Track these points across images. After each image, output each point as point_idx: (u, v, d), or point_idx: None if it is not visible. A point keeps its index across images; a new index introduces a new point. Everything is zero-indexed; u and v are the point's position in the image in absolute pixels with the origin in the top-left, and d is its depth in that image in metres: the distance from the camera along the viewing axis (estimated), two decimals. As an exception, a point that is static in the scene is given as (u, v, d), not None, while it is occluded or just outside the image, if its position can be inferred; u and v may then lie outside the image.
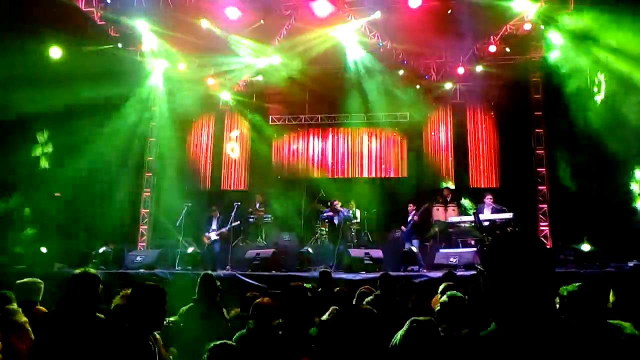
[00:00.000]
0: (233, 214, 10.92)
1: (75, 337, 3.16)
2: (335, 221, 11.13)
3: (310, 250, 10.73)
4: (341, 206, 11.31)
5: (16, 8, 9.71)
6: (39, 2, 9.94)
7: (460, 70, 12.92)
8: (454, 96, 13.88)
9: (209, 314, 4.58)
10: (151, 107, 14.53)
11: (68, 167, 11.58)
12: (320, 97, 14.24)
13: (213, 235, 11.19)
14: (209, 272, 5.24)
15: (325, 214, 11.77)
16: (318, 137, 14.80)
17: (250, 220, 12.61)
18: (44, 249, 10.04)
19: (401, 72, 13.15)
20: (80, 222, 11.62)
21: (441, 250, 10.45)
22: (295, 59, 12.79)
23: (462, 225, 10.92)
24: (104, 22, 11.74)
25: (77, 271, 3.49)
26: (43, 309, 4.28)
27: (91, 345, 3.03)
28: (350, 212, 11.54)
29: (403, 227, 11.54)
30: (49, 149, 11.93)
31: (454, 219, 11.26)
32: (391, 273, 6.34)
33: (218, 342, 2.79)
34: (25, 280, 4.48)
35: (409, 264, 9.81)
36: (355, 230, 11.86)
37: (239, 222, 11.21)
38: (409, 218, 11.32)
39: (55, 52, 10.89)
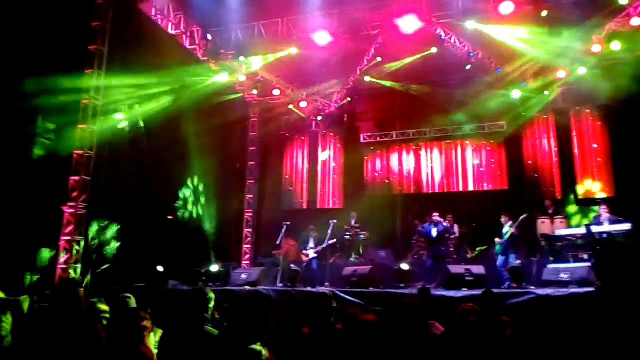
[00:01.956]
0: (329, 231, 11.13)
1: (187, 352, 3.44)
2: (433, 235, 10.85)
3: (407, 266, 10.58)
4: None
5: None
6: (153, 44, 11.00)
7: (561, 74, 12.18)
8: (556, 101, 13.07)
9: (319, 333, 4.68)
10: (249, 133, 15.37)
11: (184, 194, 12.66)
12: (411, 113, 14.19)
13: (311, 253, 11.46)
14: (326, 292, 5.32)
15: (422, 229, 11.56)
16: (409, 153, 14.67)
17: (346, 237, 12.74)
18: (160, 268, 10.86)
19: (495, 80, 12.70)
20: (190, 241, 12.47)
21: (550, 266, 9.76)
22: (384, 76, 12.91)
23: (573, 238, 10.14)
24: (206, 58, 12.74)
25: (192, 288, 3.82)
26: None
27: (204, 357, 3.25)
28: (449, 225, 11.23)
29: (498, 240, 10.95)
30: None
31: (563, 231, 10.50)
32: (494, 290, 6.07)
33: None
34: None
35: (518, 280, 9.23)
36: (454, 246, 11.51)
37: (335, 240, 11.38)
38: (504, 230, 10.73)
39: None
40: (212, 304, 3.77)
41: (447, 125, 13.80)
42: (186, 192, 12.94)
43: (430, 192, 14.16)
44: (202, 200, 13.36)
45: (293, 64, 12.80)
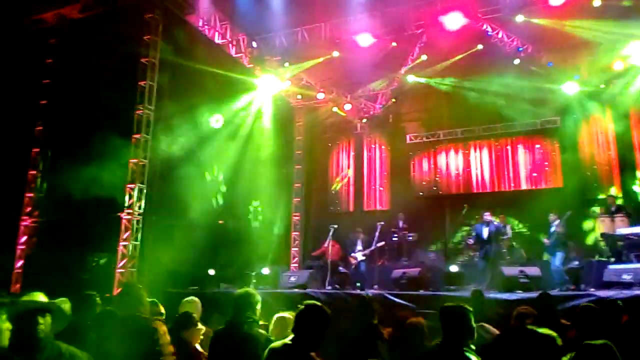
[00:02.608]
0: (376, 234, 11.08)
1: (235, 352, 3.52)
2: (485, 235, 10.58)
3: (457, 268, 10.37)
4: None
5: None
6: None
7: (618, 65, 11.61)
8: (611, 94, 12.45)
9: (363, 336, 4.70)
10: (295, 137, 15.54)
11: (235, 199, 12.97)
12: (458, 111, 13.90)
13: (359, 256, 11.45)
14: (366, 294, 5.38)
15: (473, 230, 11.31)
16: (457, 152, 14.39)
17: (394, 239, 12.64)
18: (211, 271, 11.14)
19: (547, 74, 12.25)
20: (241, 245, 12.72)
21: (610, 267, 9.29)
22: (429, 75, 12.74)
23: (635, 237, 9.61)
24: (251, 65, 13.00)
25: (241, 291, 3.92)
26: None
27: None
28: (501, 225, 10.91)
29: (546, 240, 10.54)
30: (223, 189, 13.31)
31: (624, 230, 9.98)
32: (551, 292, 5.85)
33: None
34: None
35: (576, 282, 8.85)
36: (507, 247, 11.17)
37: (383, 242, 11.31)
38: (552, 229, 10.31)
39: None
40: (259, 306, 3.85)
41: (496, 123, 13.44)
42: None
43: (480, 191, 13.82)
44: (253, 203, 13.58)
45: (336, 67, 12.85)
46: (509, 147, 13.76)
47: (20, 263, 11.06)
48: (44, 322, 2.54)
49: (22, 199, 11.36)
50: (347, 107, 14.53)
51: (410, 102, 14.91)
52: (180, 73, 10.91)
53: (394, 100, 14.32)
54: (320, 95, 14.23)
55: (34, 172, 11.54)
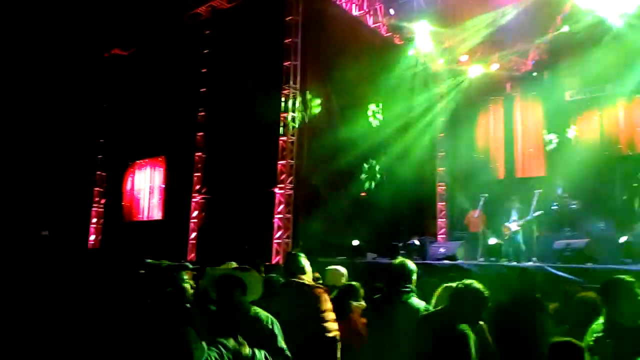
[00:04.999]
0: (534, 202, 10.25)
1: (394, 319, 3.54)
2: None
3: (633, 238, 9.11)
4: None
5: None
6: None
7: None
8: None
9: (524, 311, 4.41)
10: (436, 104, 14.97)
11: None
12: (625, 62, 11.96)
13: (514, 226, 10.71)
14: (526, 266, 5.08)
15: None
16: (627, 108, 12.47)
17: (554, 208, 11.54)
18: (355, 242, 11.37)
19: None
20: (386, 217, 12.78)
21: None
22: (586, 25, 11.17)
23: None
24: (390, 34, 12.76)
25: (397, 261, 3.90)
26: None
27: (409, 328, 3.31)
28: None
29: None
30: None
31: None
32: None
33: (562, 340, 2.66)
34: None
35: None
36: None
37: (541, 212, 10.40)
38: None
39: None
40: (414, 276, 3.81)
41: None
42: (376, 167, 13.18)
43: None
44: (395, 175, 13.50)
45: (481, 27, 11.93)
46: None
47: (193, 235, 12.55)
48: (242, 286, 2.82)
49: (191, 178, 12.82)
50: (494, 66, 13.48)
51: (567, 56, 13.25)
52: (321, 49, 11.17)
53: (547, 55, 12.87)
54: (464, 58, 13.41)
55: (200, 153, 12.90)
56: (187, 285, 2.86)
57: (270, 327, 3.03)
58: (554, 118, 13.41)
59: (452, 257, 10.28)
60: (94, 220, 15.24)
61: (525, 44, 12.48)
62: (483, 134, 14.99)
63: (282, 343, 3.01)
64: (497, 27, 11.69)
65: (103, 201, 15.38)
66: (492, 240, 10.52)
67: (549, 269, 8.36)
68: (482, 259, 10.23)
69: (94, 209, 15.29)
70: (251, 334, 2.73)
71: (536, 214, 10.25)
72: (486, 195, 11.14)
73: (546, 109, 13.66)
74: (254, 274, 2.92)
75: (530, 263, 9.14)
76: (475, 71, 13.67)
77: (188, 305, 2.82)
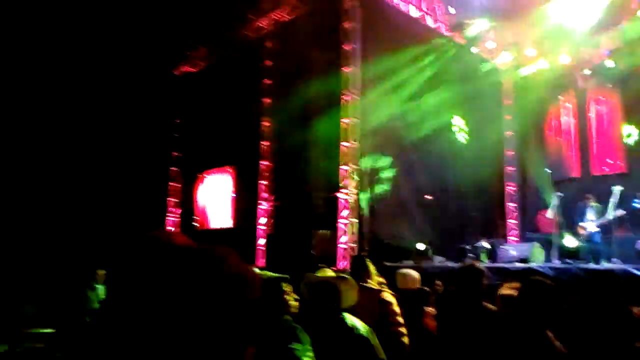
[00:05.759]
0: (613, 200, 9.65)
1: (469, 322, 3.50)
2: None
3: None
4: None
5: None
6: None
7: None
8: None
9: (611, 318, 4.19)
10: (503, 101, 14.47)
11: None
12: None
13: (591, 226, 10.13)
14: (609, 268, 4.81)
15: None
16: None
17: (636, 205, 10.78)
18: (421, 245, 11.20)
19: None
20: (454, 219, 12.51)
21: None
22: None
23: None
24: (451, 33, 12.53)
25: (465, 264, 3.88)
26: None
27: (483, 332, 3.26)
28: None
29: None
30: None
31: None
32: None
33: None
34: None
35: None
36: None
37: (623, 211, 9.76)
38: None
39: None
40: (483, 280, 3.77)
41: None
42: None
43: None
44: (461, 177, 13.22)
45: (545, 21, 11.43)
46: None
47: (261, 241, 12.92)
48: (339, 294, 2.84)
49: (256, 186, 13.23)
50: (564, 59, 12.82)
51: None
52: (383, 54, 11.21)
53: (624, 43, 12.06)
54: (531, 52, 12.88)
55: (266, 162, 13.30)
56: (290, 298, 2.74)
57: (368, 337, 2.90)
58: (633, 110, 12.55)
59: (525, 260, 9.89)
60: (171, 230, 16.02)
61: (595, 32, 11.77)
62: (553, 130, 14.29)
63: (382, 354, 2.90)
64: (564, 17, 11.12)
65: (178, 211, 16.16)
66: (569, 242, 10.00)
67: (634, 270, 7.84)
68: (557, 261, 9.76)
69: (169, 219, 16.10)
70: (348, 344, 2.70)
71: (618, 212, 9.64)
72: (561, 194, 10.62)
73: (624, 101, 12.82)
74: (351, 281, 2.98)
75: (610, 265, 8.61)
76: (543, 65, 13.09)
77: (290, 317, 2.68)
